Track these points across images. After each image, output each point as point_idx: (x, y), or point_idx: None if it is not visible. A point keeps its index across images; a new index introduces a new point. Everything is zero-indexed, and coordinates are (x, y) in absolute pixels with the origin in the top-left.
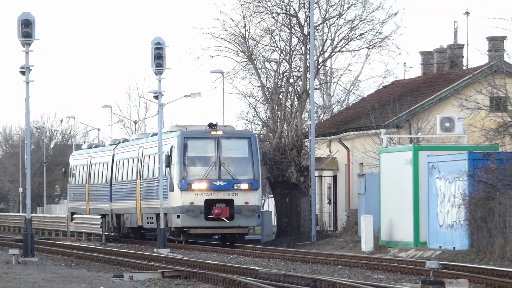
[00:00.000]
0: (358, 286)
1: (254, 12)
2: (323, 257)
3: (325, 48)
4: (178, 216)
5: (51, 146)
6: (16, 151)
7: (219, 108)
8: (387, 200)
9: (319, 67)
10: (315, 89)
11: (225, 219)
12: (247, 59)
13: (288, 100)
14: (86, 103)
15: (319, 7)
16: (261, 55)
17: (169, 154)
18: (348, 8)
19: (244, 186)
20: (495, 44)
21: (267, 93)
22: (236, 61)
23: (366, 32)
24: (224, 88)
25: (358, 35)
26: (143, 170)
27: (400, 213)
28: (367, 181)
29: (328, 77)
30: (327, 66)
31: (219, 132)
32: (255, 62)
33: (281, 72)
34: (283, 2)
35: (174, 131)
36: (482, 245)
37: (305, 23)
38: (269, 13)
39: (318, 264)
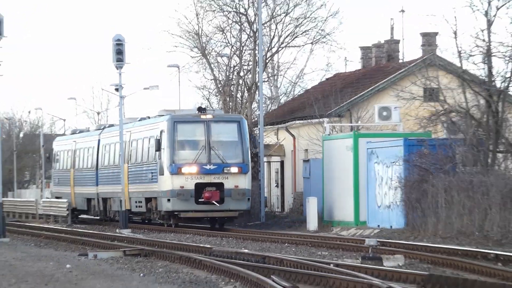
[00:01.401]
0: (303, 262)
1: (207, 11)
2: (271, 236)
3: (273, 44)
4: (169, 200)
5: (21, 135)
6: None
7: (175, 99)
8: (330, 183)
9: (267, 61)
10: (264, 81)
11: (215, 203)
12: (200, 54)
13: (239, 92)
14: (53, 95)
15: (267, 5)
16: (213, 50)
17: (158, 138)
18: (294, 7)
19: (234, 169)
20: (428, 39)
21: (219, 86)
22: (191, 56)
23: (310, 29)
24: (180, 81)
25: (303, 32)
26: (131, 155)
27: (342, 195)
28: (312, 166)
29: (276, 71)
30: (274, 61)
31: (209, 116)
32: (208, 57)
33: (232, 66)
34: (234, 1)
35: (163, 115)
36: (417, 223)
37: (254, 21)
38: (220, 11)
39: (267, 242)
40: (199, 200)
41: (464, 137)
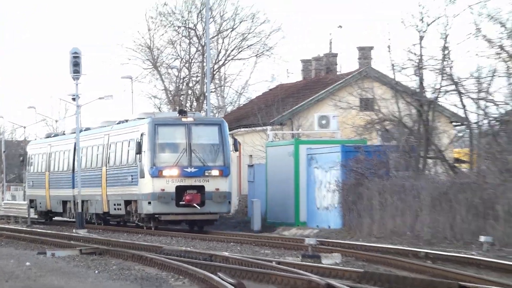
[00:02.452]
0: (247, 260)
1: (158, 26)
2: (218, 236)
3: (220, 56)
4: (149, 203)
5: None
6: None
7: (128, 108)
8: (273, 187)
9: (214, 73)
10: (211, 92)
11: (196, 206)
12: (152, 66)
13: (188, 101)
14: (13, 103)
15: (214, 21)
16: (164, 62)
17: (139, 141)
18: (240, 22)
19: (215, 172)
20: (364, 53)
21: (169, 96)
22: (143, 68)
23: (255, 43)
24: (132, 91)
25: (248, 46)
26: (109, 157)
27: (284, 197)
28: (256, 171)
29: (222, 82)
30: (221, 72)
31: (190, 119)
32: (159, 69)
33: (182, 77)
34: (183, 17)
35: (143, 118)
36: (353, 224)
37: (203, 35)
38: (171, 26)
39: (214, 241)
40: (180, 203)
41: (397, 144)
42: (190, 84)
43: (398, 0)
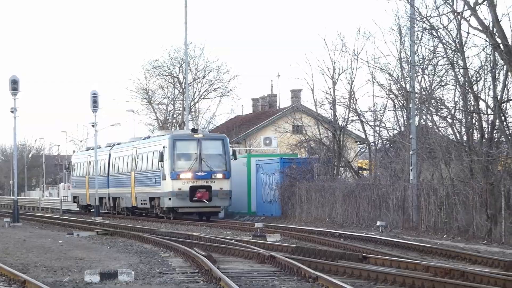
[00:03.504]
0: (215, 238)
1: (152, 75)
2: (194, 222)
3: (195, 96)
4: (170, 199)
5: (30, 155)
6: (8, 159)
7: (131, 132)
8: (234, 187)
9: (191, 108)
10: (189, 121)
11: (205, 201)
12: (147, 103)
13: (173, 127)
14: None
15: (191, 71)
16: (156, 100)
17: (161, 152)
18: (209, 72)
19: (219, 175)
20: (295, 93)
21: (160, 123)
22: (141, 104)
23: (219, 87)
24: (134, 120)
25: (215, 89)
26: (137, 165)
27: (241, 194)
28: None
29: (197, 114)
30: (196, 107)
31: (200, 135)
32: (152, 105)
33: (168, 110)
34: (169, 68)
35: (164, 134)
36: (288, 213)
37: (183, 81)
38: (160, 75)
39: (191, 225)
40: (193, 199)
41: (318, 157)
42: (174, 115)
43: (319, 56)
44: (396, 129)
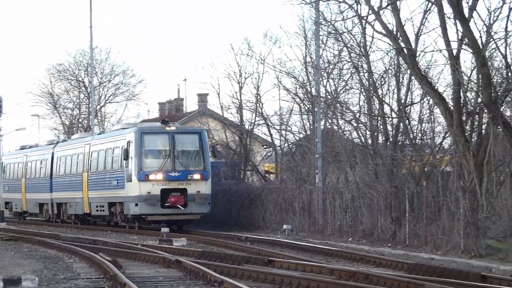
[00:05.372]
0: (120, 243)
1: (57, 79)
2: (100, 227)
3: (101, 100)
4: (136, 205)
5: None
6: None
7: (36, 138)
8: None
9: (97, 112)
10: (95, 125)
11: (180, 207)
12: (53, 108)
13: (79, 132)
14: None
15: (96, 75)
16: (62, 105)
17: (125, 148)
18: (114, 76)
19: (196, 176)
20: (202, 98)
21: (65, 128)
22: (46, 108)
23: (125, 91)
24: (39, 125)
25: (121, 93)
26: (91, 164)
27: None
28: None
29: (103, 118)
30: (102, 111)
31: (173, 128)
32: (58, 109)
33: (74, 115)
34: (75, 72)
35: (127, 128)
36: None
37: (88, 85)
38: (66, 79)
39: (96, 231)
40: (165, 204)
41: (225, 161)
42: (80, 120)
43: (225, 60)
44: (302, 133)
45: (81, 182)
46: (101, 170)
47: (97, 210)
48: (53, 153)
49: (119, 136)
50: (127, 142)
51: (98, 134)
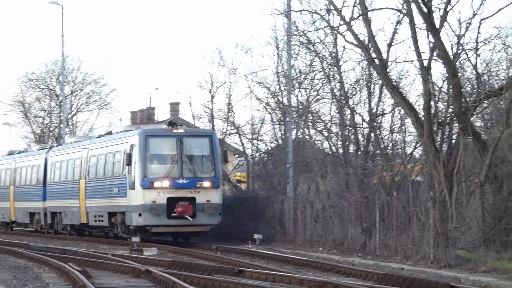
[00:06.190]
0: (91, 253)
1: (28, 88)
2: (69, 237)
3: (73, 109)
4: (140, 215)
5: None
6: None
7: (9, 147)
8: None
9: (68, 120)
10: (66, 134)
11: (188, 217)
12: (24, 116)
13: (50, 140)
14: None
15: (68, 84)
16: (33, 113)
17: (129, 152)
18: (86, 85)
19: (206, 184)
20: (174, 107)
21: (36, 137)
22: (18, 117)
23: (97, 99)
24: (10, 133)
25: (92, 101)
26: (89, 170)
27: None
28: None
29: (75, 127)
30: (74, 120)
31: (181, 130)
32: (29, 118)
33: (45, 123)
34: (46, 81)
35: (130, 130)
36: None
37: (60, 94)
38: (37, 88)
39: (67, 240)
40: (172, 215)
41: None
42: (51, 128)
43: (197, 70)
44: (273, 142)
45: (78, 190)
46: (100, 176)
47: (95, 220)
48: (46, 159)
49: (121, 139)
50: (130, 146)
51: (97, 137)
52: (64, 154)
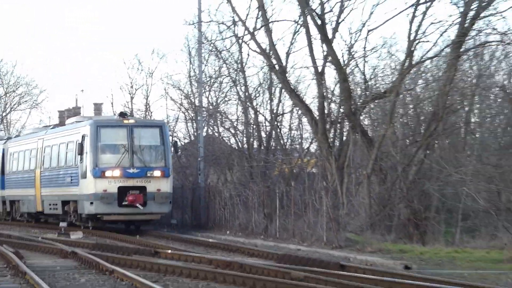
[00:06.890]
0: (23, 236)
1: None
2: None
3: (6, 108)
4: (92, 203)
5: None
6: None
7: None
8: None
9: (2, 118)
10: (1, 130)
11: (139, 206)
12: None
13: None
14: None
15: (2, 86)
16: None
17: (80, 142)
18: (18, 87)
19: (157, 173)
20: (97, 107)
21: None
22: None
23: (28, 100)
24: None
25: (24, 101)
26: (44, 160)
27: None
28: None
29: (8, 124)
30: (8, 119)
31: (131, 121)
32: None
33: None
34: None
35: (82, 121)
36: None
37: None
38: None
39: (1, 225)
40: (123, 203)
41: None
42: None
43: (118, 74)
44: (187, 138)
45: (33, 179)
46: (54, 166)
47: (50, 209)
48: (3, 149)
49: (74, 129)
50: (82, 136)
51: (51, 128)
52: (21, 145)
